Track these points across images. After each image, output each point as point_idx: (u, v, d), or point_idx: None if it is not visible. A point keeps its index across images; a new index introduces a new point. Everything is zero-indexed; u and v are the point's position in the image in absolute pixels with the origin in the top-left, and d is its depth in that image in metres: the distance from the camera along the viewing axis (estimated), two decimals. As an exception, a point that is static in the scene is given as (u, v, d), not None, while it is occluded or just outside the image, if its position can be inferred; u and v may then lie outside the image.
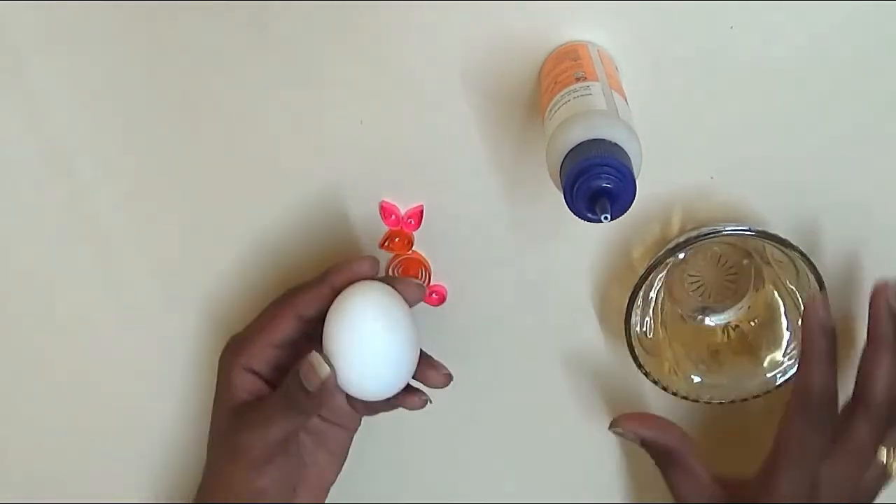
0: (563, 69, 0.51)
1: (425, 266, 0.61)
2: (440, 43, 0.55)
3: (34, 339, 0.64)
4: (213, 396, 0.59)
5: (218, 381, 0.58)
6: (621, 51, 0.54)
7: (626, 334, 0.58)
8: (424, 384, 0.57)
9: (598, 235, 0.60)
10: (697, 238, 0.56)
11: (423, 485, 0.68)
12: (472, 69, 0.55)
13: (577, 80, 0.49)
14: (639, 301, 0.57)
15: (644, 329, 0.60)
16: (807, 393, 0.54)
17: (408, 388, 0.56)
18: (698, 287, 0.61)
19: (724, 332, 0.62)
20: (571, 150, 0.45)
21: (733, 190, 0.58)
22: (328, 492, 0.60)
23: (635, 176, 0.45)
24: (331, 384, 0.53)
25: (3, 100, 0.57)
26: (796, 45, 0.54)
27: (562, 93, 0.49)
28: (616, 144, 0.45)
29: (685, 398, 0.60)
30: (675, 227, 0.59)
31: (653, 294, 0.60)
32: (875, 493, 0.57)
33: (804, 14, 0.53)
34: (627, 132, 0.46)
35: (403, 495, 0.68)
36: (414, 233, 0.60)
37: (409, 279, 0.57)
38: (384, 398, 0.55)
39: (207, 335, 0.63)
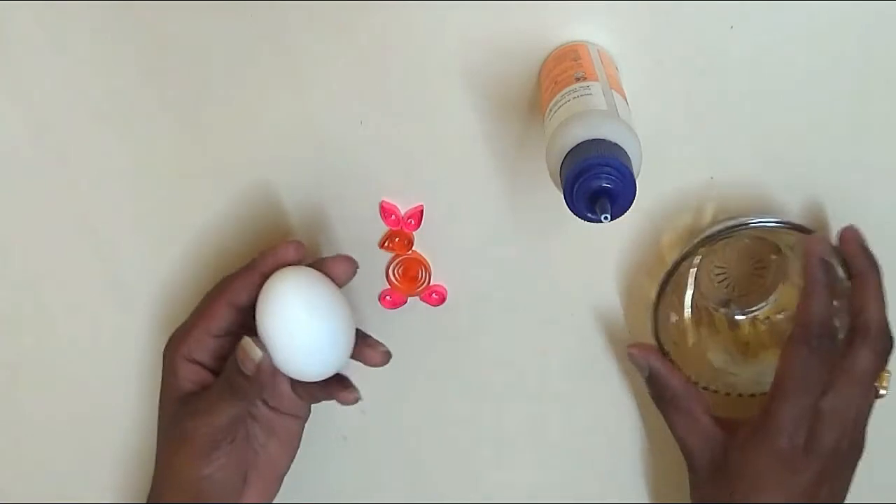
0: (563, 69, 0.51)
1: (425, 266, 0.61)
2: (440, 43, 0.55)
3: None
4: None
5: (163, 374, 0.59)
6: (621, 51, 0.54)
7: (653, 325, 0.58)
8: (364, 363, 0.57)
9: (596, 236, 0.60)
10: (733, 228, 0.57)
11: (424, 485, 0.68)
12: (472, 69, 0.55)
13: (577, 80, 0.49)
14: (668, 291, 0.57)
15: (672, 320, 0.60)
16: (807, 324, 0.55)
17: (343, 383, 0.56)
18: (724, 279, 0.61)
19: (752, 324, 0.62)
20: (571, 150, 0.45)
21: (732, 190, 0.58)
22: (281, 480, 0.60)
23: (635, 176, 0.45)
24: (266, 367, 0.53)
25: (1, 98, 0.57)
26: (796, 45, 0.54)
27: (562, 93, 0.49)
28: (616, 144, 0.45)
29: (705, 388, 0.60)
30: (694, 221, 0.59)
31: (682, 286, 0.60)
32: (867, 417, 0.58)
33: (804, 14, 0.53)
34: (627, 132, 0.46)
35: (404, 495, 0.68)
36: (414, 233, 0.60)
37: (336, 257, 0.56)
38: (324, 377, 0.55)
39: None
